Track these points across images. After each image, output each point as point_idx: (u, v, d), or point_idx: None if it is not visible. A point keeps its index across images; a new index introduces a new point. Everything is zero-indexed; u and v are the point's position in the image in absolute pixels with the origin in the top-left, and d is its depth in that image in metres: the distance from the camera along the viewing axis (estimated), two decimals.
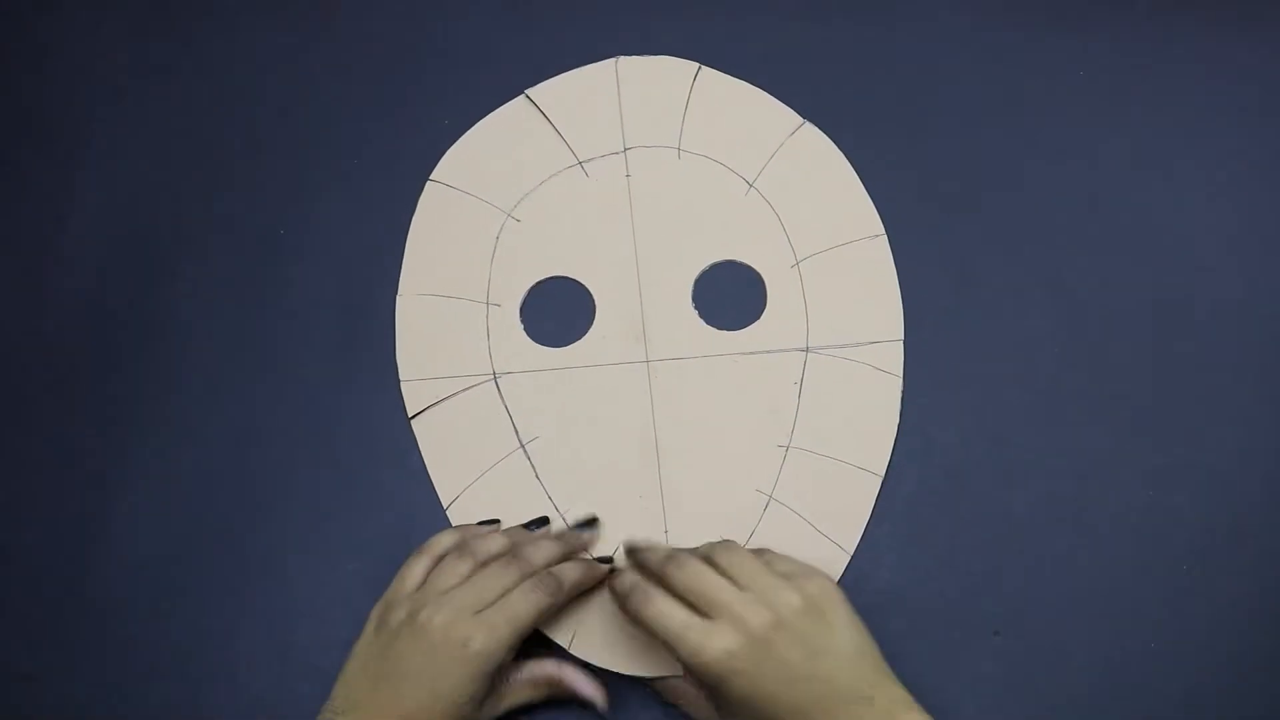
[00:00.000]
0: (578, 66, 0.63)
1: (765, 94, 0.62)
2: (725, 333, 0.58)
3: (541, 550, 0.52)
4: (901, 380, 0.57)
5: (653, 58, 0.62)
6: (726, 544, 0.51)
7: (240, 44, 0.65)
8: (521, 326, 0.59)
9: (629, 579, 0.50)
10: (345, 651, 0.54)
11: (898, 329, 0.58)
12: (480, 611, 0.49)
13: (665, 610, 0.48)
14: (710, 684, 0.47)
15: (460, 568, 0.51)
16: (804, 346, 0.58)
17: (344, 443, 0.58)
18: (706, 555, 0.50)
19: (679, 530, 0.56)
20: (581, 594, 0.53)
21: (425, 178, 0.62)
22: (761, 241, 0.59)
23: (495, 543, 0.53)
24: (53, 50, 0.66)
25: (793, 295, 0.59)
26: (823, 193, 0.60)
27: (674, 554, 0.50)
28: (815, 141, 0.61)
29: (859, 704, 0.46)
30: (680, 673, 0.52)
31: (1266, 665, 0.54)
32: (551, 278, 0.59)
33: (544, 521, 0.55)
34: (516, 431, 0.58)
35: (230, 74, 0.65)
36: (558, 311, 0.59)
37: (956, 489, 0.56)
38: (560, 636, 0.53)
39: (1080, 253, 0.59)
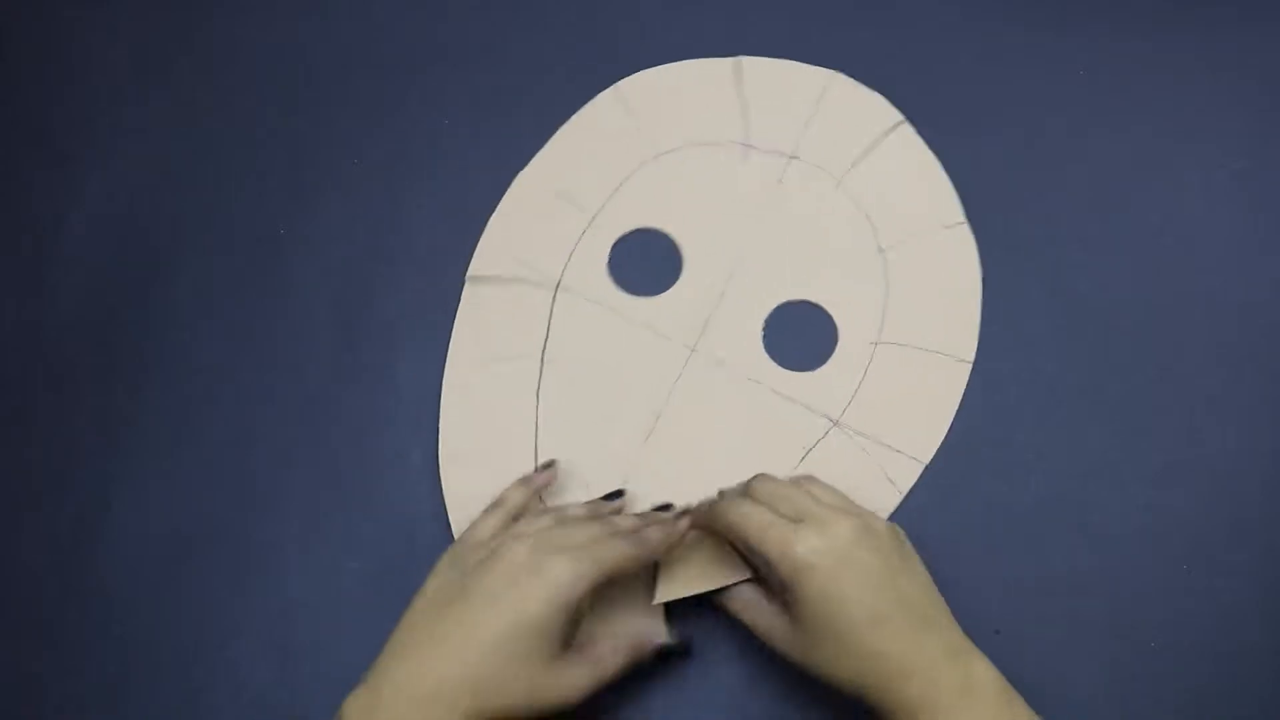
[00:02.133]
0: (579, 66, 0.63)
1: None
2: (778, 367, 0.58)
3: (626, 520, 0.52)
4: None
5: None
6: (811, 475, 0.53)
7: (240, 44, 0.65)
8: (607, 259, 0.59)
9: (707, 501, 0.51)
10: (346, 651, 0.54)
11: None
12: (566, 548, 0.48)
13: (751, 511, 0.48)
14: (789, 580, 0.46)
15: (542, 520, 0.51)
16: (834, 419, 0.57)
17: (344, 443, 0.58)
18: (791, 481, 0.52)
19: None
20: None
21: (425, 177, 0.62)
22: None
23: (576, 510, 0.53)
24: (53, 50, 0.66)
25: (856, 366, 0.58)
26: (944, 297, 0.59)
27: (762, 475, 0.52)
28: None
29: (933, 629, 0.47)
30: (746, 576, 0.52)
31: (1266, 665, 0.53)
32: (657, 230, 0.60)
33: (620, 494, 0.55)
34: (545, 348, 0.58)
35: (230, 74, 0.65)
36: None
37: (957, 489, 0.56)
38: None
39: (1080, 253, 0.59)
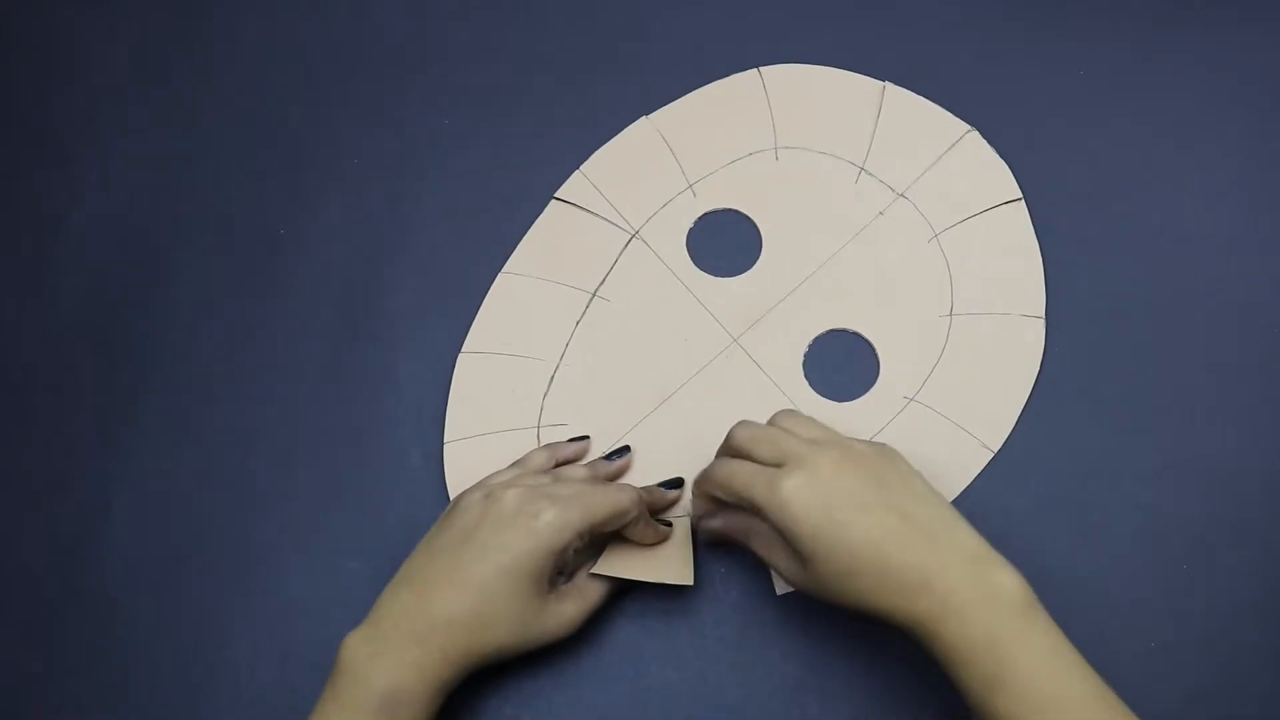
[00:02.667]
0: (578, 66, 0.63)
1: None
2: (808, 387, 0.58)
3: (621, 478, 0.55)
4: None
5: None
6: (789, 410, 0.53)
7: (240, 44, 0.65)
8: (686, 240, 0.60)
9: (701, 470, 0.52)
10: None
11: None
12: (556, 496, 0.50)
13: (734, 466, 0.49)
14: (782, 524, 0.47)
15: (543, 476, 0.53)
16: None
17: (344, 442, 0.58)
18: (770, 422, 0.52)
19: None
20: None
21: (425, 177, 0.62)
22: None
23: (577, 471, 0.54)
24: (53, 50, 0.66)
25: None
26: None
27: (742, 421, 0.52)
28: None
29: (945, 537, 0.46)
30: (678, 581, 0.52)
31: (1266, 665, 0.53)
32: (746, 217, 0.60)
33: (625, 450, 0.56)
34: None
35: (230, 74, 0.65)
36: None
37: (956, 489, 0.56)
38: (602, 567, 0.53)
39: (1080, 253, 0.59)
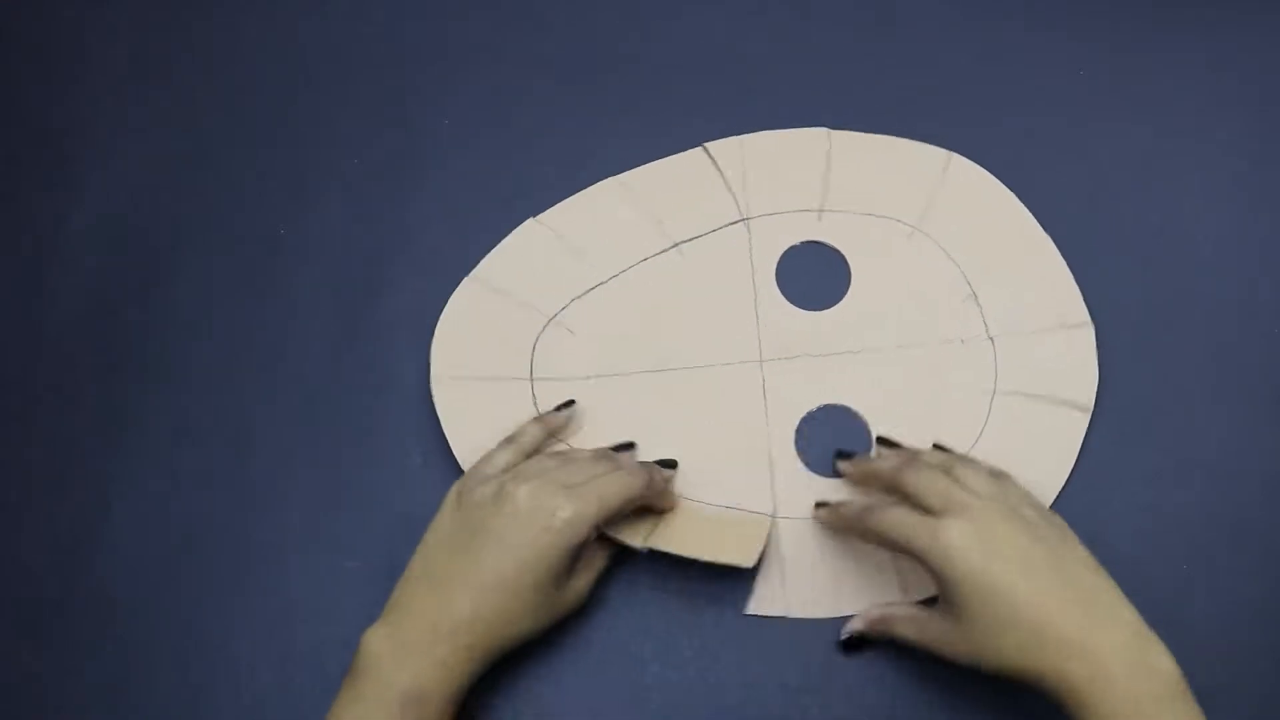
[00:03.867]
0: (578, 66, 0.63)
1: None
2: (794, 451, 0.57)
3: (630, 459, 0.54)
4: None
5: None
6: (963, 457, 0.52)
7: (240, 44, 0.65)
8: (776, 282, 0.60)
9: (859, 501, 0.51)
10: (346, 651, 0.54)
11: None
12: (569, 487, 0.50)
13: (896, 517, 0.48)
14: (941, 568, 0.46)
15: (549, 460, 0.52)
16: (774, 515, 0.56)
17: (344, 442, 0.58)
18: (943, 465, 0.51)
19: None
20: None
21: (425, 177, 0.62)
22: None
23: (585, 453, 0.54)
24: (53, 50, 0.66)
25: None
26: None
27: (910, 458, 0.51)
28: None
29: (1104, 607, 0.45)
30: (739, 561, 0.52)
31: (1266, 665, 0.53)
32: (838, 254, 0.60)
33: (630, 446, 0.56)
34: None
35: (230, 74, 0.65)
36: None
37: None
38: (635, 538, 0.53)
39: (1080, 253, 0.59)
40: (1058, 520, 0.49)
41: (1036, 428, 0.56)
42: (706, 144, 0.61)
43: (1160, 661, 0.44)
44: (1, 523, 0.58)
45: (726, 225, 0.60)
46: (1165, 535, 0.55)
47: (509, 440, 0.54)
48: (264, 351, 0.60)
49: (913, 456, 0.52)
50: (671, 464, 0.55)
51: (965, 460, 0.52)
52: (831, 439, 0.56)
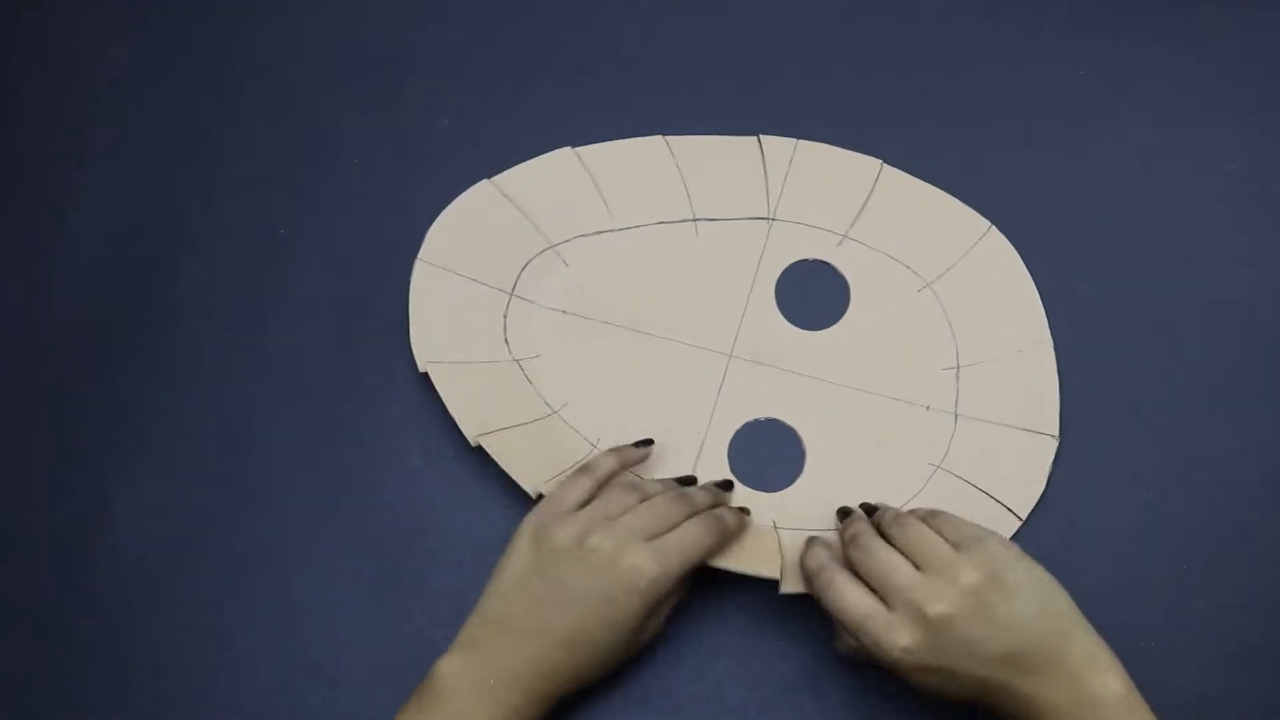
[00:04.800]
0: (578, 66, 0.63)
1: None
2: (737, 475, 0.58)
3: (703, 494, 0.53)
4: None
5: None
6: (901, 519, 0.51)
7: (240, 44, 0.65)
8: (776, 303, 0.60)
9: (817, 557, 0.51)
10: (345, 651, 0.54)
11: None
12: (651, 540, 0.50)
13: (848, 599, 0.48)
14: (892, 672, 0.48)
15: (627, 499, 0.52)
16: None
17: (344, 442, 0.58)
18: (886, 531, 0.51)
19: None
20: None
21: (425, 177, 0.62)
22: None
23: (655, 485, 0.54)
24: (53, 50, 0.66)
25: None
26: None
27: (857, 534, 0.51)
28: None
29: (1046, 671, 0.46)
30: None
31: (1267, 665, 0.53)
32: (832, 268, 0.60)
33: (692, 480, 0.55)
34: None
35: (230, 74, 0.65)
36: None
37: None
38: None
39: (1080, 253, 0.59)
40: (1000, 565, 0.48)
41: (965, 512, 0.52)
42: (762, 135, 0.61)
43: (1110, 685, 0.46)
44: (1, 523, 0.58)
45: (750, 219, 0.60)
46: (1165, 535, 0.55)
47: (584, 471, 0.53)
48: (264, 351, 0.60)
49: (858, 532, 0.51)
50: (728, 485, 0.55)
51: (903, 521, 0.51)
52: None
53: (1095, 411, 0.57)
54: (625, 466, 0.55)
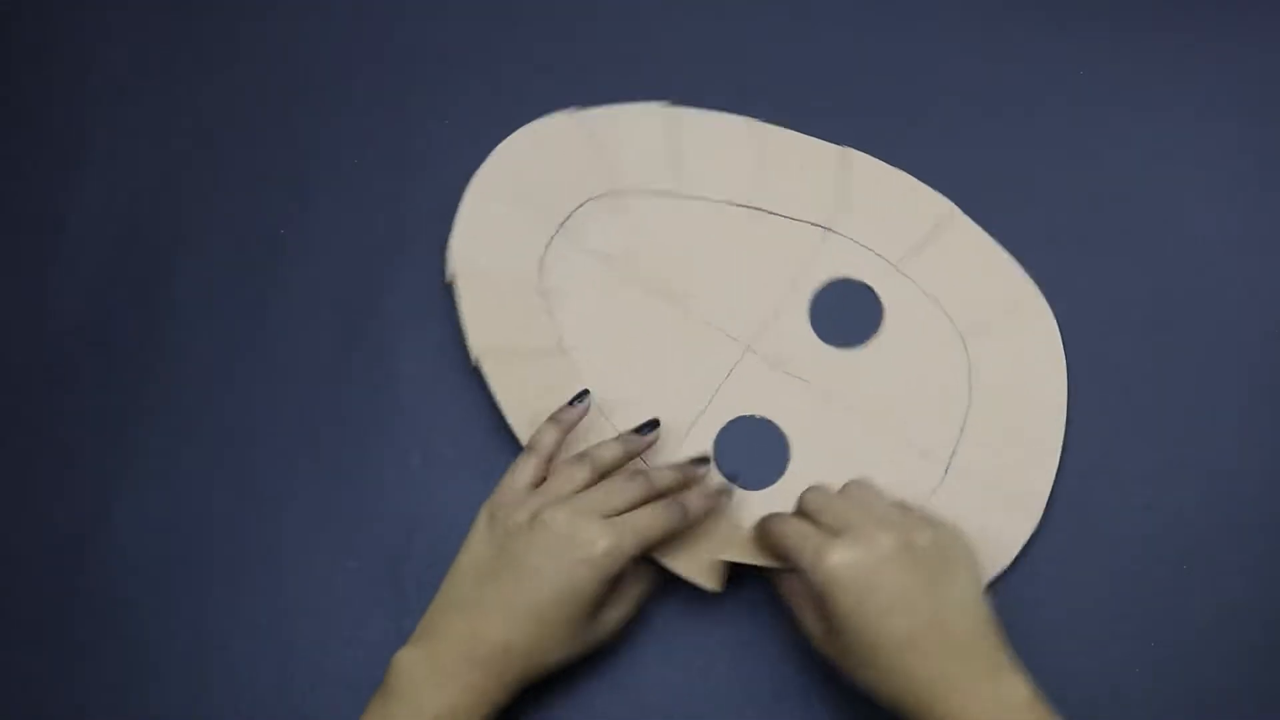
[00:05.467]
0: (578, 66, 0.63)
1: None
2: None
3: (665, 475, 0.53)
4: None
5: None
6: (861, 481, 0.52)
7: (240, 44, 0.65)
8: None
9: (768, 515, 0.51)
10: (346, 651, 0.54)
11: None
12: (607, 517, 0.49)
13: (790, 523, 0.49)
14: (821, 592, 0.46)
15: (578, 474, 0.51)
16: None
17: (344, 442, 0.58)
18: (846, 487, 0.51)
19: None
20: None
21: (425, 177, 0.62)
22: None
23: (610, 451, 0.53)
24: (53, 50, 0.66)
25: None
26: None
27: (810, 488, 0.51)
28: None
29: (970, 650, 0.46)
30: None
31: (1266, 665, 0.53)
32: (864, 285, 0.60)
33: (654, 424, 0.55)
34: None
35: (230, 74, 0.65)
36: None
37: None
38: (693, 569, 0.52)
39: (1080, 253, 0.59)
40: (951, 545, 0.49)
41: None
42: (849, 148, 0.60)
43: (1011, 691, 0.45)
44: (1, 523, 0.58)
45: (808, 223, 0.60)
46: (1165, 535, 0.55)
47: (529, 450, 0.53)
48: (264, 351, 0.60)
49: (812, 486, 0.52)
50: (653, 424, 0.54)
51: (864, 484, 0.52)
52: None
53: (1095, 412, 0.57)
54: (567, 431, 0.54)
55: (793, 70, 0.63)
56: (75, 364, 0.60)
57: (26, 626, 0.56)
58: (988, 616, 0.48)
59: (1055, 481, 0.56)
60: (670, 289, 0.59)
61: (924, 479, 0.56)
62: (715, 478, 0.56)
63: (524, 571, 0.48)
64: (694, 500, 0.52)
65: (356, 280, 0.61)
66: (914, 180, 0.60)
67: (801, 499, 0.51)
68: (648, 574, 0.52)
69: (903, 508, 0.50)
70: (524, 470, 0.52)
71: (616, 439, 0.54)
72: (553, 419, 0.54)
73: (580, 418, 0.55)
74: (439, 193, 0.61)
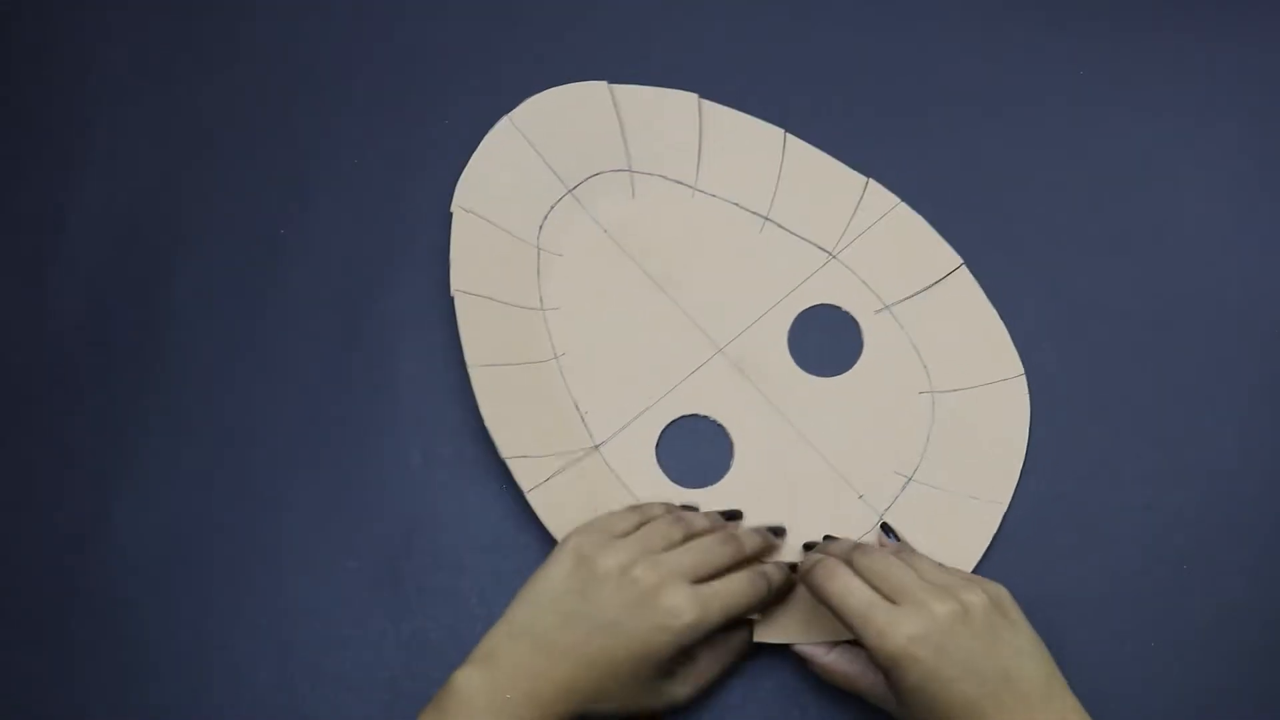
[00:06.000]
0: (578, 66, 0.63)
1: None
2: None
3: (752, 538, 0.53)
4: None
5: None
6: (909, 548, 0.53)
7: (240, 44, 0.65)
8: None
9: (813, 555, 0.50)
10: (346, 651, 0.54)
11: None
12: (695, 582, 0.49)
13: (851, 586, 0.48)
14: (888, 667, 0.46)
15: (673, 533, 0.51)
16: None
17: (344, 442, 0.58)
18: (894, 551, 0.51)
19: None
20: None
21: (425, 177, 0.62)
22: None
23: (702, 520, 0.53)
24: (53, 50, 0.66)
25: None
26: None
27: (860, 544, 0.51)
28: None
29: (1039, 703, 0.46)
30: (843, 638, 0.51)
31: (1266, 665, 0.54)
32: None
33: (737, 515, 0.55)
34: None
35: (230, 74, 0.65)
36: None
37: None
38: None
39: (1080, 253, 0.59)
40: (1003, 602, 0.49)
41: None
42: (870, 179, 0.60)
43: None
44: (1, 523, 0.58)
45: (815, 246, 0.60)
46: (1165, 535, 0.55)
47: (634, 507, 0.54)
48: (264, 351, 0.60)
49: (860, 543, 0.52)
50: (780, 532, 0.54)
51: (911, 550, 0.53)
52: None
53: (1095, 411, 0.57)
54: (677, 517, 0.53)
55: (792, 70, 0.63)
56: (75, 364, 0.60)
57: (26, 626, 0.56)
58: (1050, 660, 0.47)
59: (1055, 482, 0.56)
60: (662, 275, 0.59)
61: (855, 522, 0.55)
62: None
63: (603, 623, 0.48)
64: (775, 574, 0.51)
65: (356, 280, 0.61)
66: (933, 232, 0.59)
67: (852, 560, 0.49)
68: (720, 653, 0.52)
69: (944, 569, 0.50)
70: (624, 519, 0.52)
71: (707, 515, 0.54)
72: (671, 506, 0.55)
73: (709, 528, 0.53)
74: (439, 193, 0.61)
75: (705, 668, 0.51)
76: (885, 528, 0.55)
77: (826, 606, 0.48)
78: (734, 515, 0.55)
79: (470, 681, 0.47)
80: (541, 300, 0.58)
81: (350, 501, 0.57)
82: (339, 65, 0.64)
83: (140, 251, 0.62)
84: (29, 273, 0.62)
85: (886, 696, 0.49)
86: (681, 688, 0.51)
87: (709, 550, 0.50)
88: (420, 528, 0.56)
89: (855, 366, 0.58)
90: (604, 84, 0.61)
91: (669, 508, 0.54)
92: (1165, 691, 0.53)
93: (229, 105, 0.64)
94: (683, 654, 0.49)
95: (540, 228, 0.59)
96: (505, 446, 0.55)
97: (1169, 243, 0.60)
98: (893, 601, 0.47)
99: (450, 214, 0.59)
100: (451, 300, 0.58)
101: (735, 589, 0.49)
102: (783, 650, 0.53)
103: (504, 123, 0.60)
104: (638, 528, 0.51)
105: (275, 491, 0.57)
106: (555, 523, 0.54)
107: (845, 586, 0.48)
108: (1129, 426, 0.57)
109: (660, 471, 0.56)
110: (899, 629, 0.46)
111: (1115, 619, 0.54)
